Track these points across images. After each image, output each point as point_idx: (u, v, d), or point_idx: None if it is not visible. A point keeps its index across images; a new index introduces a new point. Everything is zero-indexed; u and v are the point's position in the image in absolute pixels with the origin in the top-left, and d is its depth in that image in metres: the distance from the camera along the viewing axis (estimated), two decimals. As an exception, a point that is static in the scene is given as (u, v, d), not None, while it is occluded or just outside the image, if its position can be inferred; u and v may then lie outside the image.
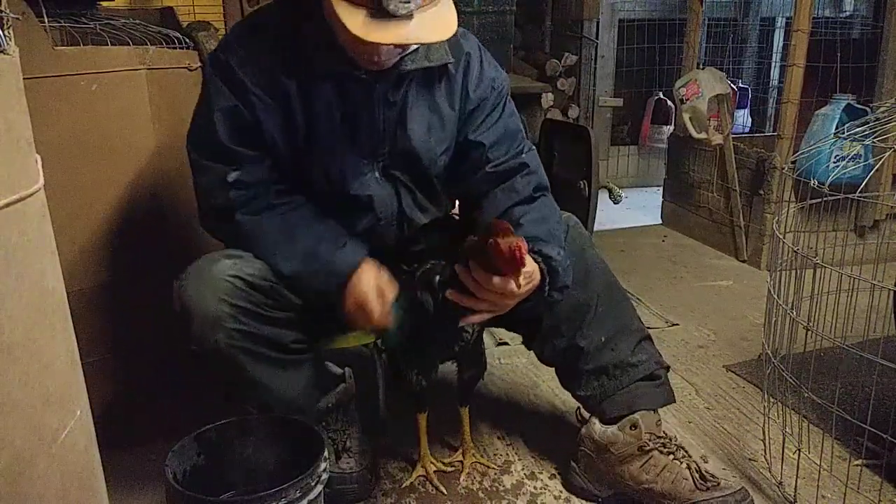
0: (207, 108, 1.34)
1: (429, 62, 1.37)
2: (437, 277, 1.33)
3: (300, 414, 1.39)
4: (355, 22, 1.15)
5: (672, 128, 3.92)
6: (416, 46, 1.32)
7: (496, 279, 1.22)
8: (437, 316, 1.34)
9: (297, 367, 1.41)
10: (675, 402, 1.54)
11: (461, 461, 1.61)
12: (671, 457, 1.45)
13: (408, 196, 1.47)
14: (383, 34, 1.16)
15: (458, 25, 1.35)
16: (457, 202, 1.63)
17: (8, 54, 0.74)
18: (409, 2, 1.15)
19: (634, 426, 1.45)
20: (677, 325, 2.39)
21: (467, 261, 1.25)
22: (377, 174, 1.42)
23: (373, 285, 1.34)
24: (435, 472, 1.54)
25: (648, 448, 1.44)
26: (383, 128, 1.39)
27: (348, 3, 1.16)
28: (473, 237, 1.27)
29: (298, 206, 1.38)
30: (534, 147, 1.51)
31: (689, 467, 1.44)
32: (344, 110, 1.36)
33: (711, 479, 1.43)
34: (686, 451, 1.48)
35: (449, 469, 1.58)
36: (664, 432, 1.48)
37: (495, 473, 1.60)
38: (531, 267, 1.27)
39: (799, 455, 1.51)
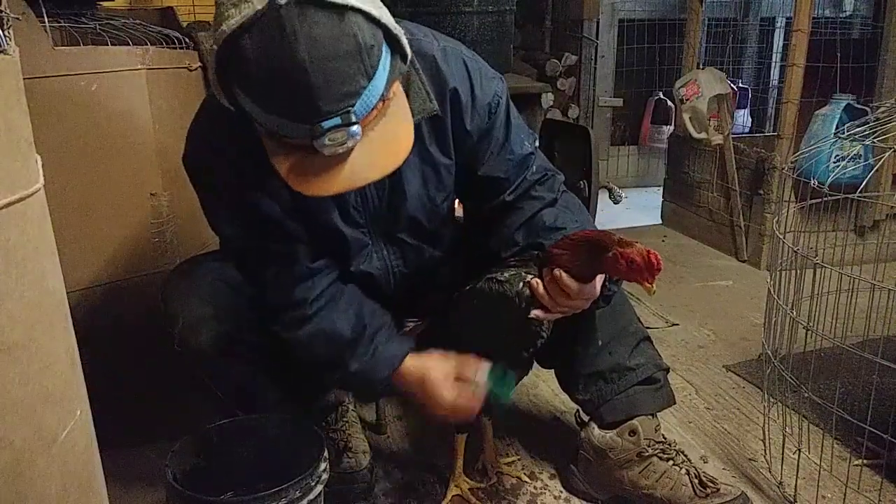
0: (209, 214, 1.28)
1: (415, 116, 1.15)
2: (522, 286, 1.25)
3: (290, 414, 1.39)
4: (284, 165, 0.99)
5: (672, 128, 3.92)
6: None
7: (585, 286, 1.19)
8: (518, 322, 1.27)
9: (284, 370, 1.40)
10: (674, 404, 1.53)
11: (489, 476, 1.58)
12: (670, 462, 1.44)
13: (414, 256, 1.40)
14: (320, 182, 0.99)
15: (457, 28, 1.27)
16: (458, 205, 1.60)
17: (8, 54, 0.74)
18: (346, 141, 0.95)
19: (633, 432, 1.44)
20: (677, 325, 2.39)
21: (550, 269, 1.22)
22: (382, 243, 1.36)
23: (435, 377, 1.25)
24: (469, 489, 1.51)
25: (647, 454, 1.44)
26: (377, 196, 1.29)
27: (277, 144, 1.00)
28: (553, 248, 1.23)
29: (330, 307, 1.28)
30: (536, 139, 1.44)
31: (688, 473, 1.43)
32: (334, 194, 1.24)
33: (711, 485, 1.42)
34: (686, 457, 1.47)
35: (481, 485, 1.54)
36: (663, 437, 1.48)
37: (501, 475, 1.60)
38: None
39: (799, 455, 1.51)
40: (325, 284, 1.29)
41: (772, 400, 1.68)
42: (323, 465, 1.21)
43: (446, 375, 1.26)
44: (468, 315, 1.33)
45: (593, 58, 3.60)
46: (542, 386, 1.97)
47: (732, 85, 3.34)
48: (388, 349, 1.29)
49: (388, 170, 1.03)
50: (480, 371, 1.25)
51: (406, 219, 1.33)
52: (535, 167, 1.38)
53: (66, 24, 1.62)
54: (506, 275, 1.26)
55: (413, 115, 1.12)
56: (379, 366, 1.29)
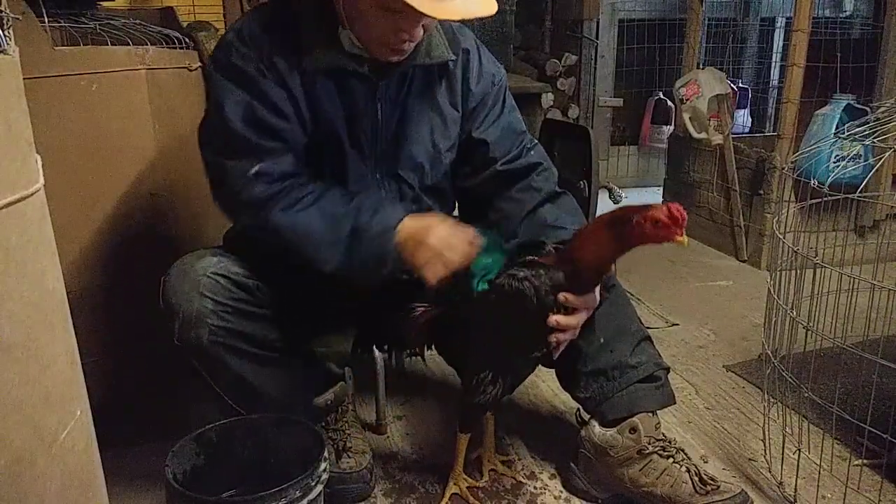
0: (217, 107, 1.29)
1: (430, 59, 1.36)
2: (546, 287, 1.26)
3: (288, 412, 1.39)
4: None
5: (672, 128, 3.92)
6: (418, 41, 1.30)
7: (588, 297, 1.28)
8: (532, 320, 1.28)
9: (284, 366, 1.40)
10: (674, 403, 1.53)
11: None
12: (671, 460, 1.44)
13: (410, 197, 1.45)
14: (444, 9, 1.15)
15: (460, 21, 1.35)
16: (456, 203, 1.62)
17: (8, 54, 0.74)
18: None
19: (634, 430, 1.45)
20: (677, 325, 2.39)
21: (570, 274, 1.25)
22: (378, 176, 1.41)
23: (446, 229, 1.27)
24: (468, 488, 1.51)
25: (648, 451, 1.44)
26: (384, 128, 1.38)
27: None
28: (572, 249, 1.26)
29: (326, 189, 1.32)
30: (536, 141, 1.51)
31: (688, 471, 1.43)
32: (347, 111, 1.34)
33: (711, 482, 1.42)
34: (686, 454, 1.48)
35: (478, 485, 1.54)
36: (664, 435, 1.48)
37: (494, 473, 1.60)
38: None
39: (799, 455, 1.51)
40: (314, 182, 1.32)
41: (772, 400, 1.68)
42: (323, 465, 1.21)
43: (429, 218, 1.31)
44: (483, 309, 1.33)
45: (593, 58, 3.60)
46: (542, 386, 1.97)
47: (732, 85, 3.34)
48: (390, 204, 1.33)
49: (491, 11, 1.22)
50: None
51: (408, 158, 1.41)
52: (534, 151, 1.48)
53: (66, 24, 1.62)
54: (524, 272, 1.27)
55: (433, 58, 1.36)
56: (391, 211, 1.29)
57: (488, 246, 1.30)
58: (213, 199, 1.35)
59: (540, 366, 1.56)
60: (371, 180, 1.40)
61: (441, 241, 1.26)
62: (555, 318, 1.27)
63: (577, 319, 1.30)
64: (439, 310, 1.42)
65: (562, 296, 1.26)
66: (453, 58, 1.39)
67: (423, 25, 1.26)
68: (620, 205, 3.38)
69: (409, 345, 1.47)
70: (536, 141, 1.51)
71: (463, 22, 1.25)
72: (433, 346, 1.48)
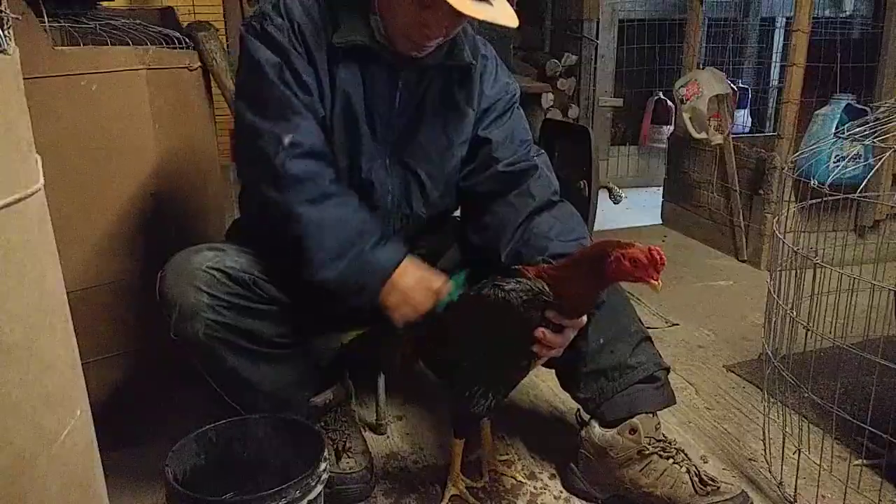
0: (254, 64, 1.31)
1: (453, 61, 1.41)
2: (532, 302, 1.27)
3: (284, 409, 1.39)
4: None
5: (672, 128, 3.92)
6: (439, 41, 1.35)
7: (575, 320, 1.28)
8: (518, 330, 1.29)
9: (280, 362, 1.40)
10: (675, 403, 1.53)
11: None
12: (671, 461, 1.45)
13: (417, 187, 1.47)
14: (475, 10, 1.22)
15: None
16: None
17: (8, 54, 0.74)
18: None
19: (634, 430, 1.45)
20: (677, 325, 2.39)
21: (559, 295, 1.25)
22: (388, 161, 1.43)
23: (418, 276, 1.33)
24: (467, 487, 1.51)
25: (648, 452, 1.44)
26: (400, 117, 1.41)
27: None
28: (552, 280, 1.25)
29: (346, 195, 1.34)
30: (543, 152, 1.53)
31: (688, 471, 1.43)
32: (367, 93, 1.37)
33: (711, 483, 1.43)
34: (686, 455, 1.48)
35: (477, 485, 1.54)
36: (664, 435, 1.48)
37: (494, 474, 1.60)
38: None
39: (799, 455, 1.51)
40: (335, 175, 1.35)
41: (772, 400, 1.68)
42: (323, 465, 1.21)
43: (421, 268, 1.36)
44: (469, 319, 1.33)
45: (593, 58, 3.60)
46: (542, 386, 1.97)
47: (732, 85, 3.34)
48: (395, 240, 1.38)
49: (514, 24, 1.28)
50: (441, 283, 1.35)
51: (419, 148, 1.44)
52: (538, 159, 1.49)
53: (66, 24, 1.62)
54: (511, 283, 1.27)
55: (454, 60, 1.42)
56: (395, 249, 1.34)
57: (454, 289, 1.35)
58: (238, 167, 1.40)
59: (540, 366, 1.57)
60: (380, 164, 1.42)
61: (412, 286, 1.32)
62: (541, 331, 1.27)
63: (562, 338, 1.29)
64: (421, 331, 1.40)
65: (549, 313, 1.26)
66: (474, 62, 1.45)
67: (446, 27, 1.29)
68: (620, 205, 3.39)
69: (395, 370, 1.47)
70: (543, 152, 1.53)
71: (488, 24, 1.30)
72: (421, 363, 1.47)
